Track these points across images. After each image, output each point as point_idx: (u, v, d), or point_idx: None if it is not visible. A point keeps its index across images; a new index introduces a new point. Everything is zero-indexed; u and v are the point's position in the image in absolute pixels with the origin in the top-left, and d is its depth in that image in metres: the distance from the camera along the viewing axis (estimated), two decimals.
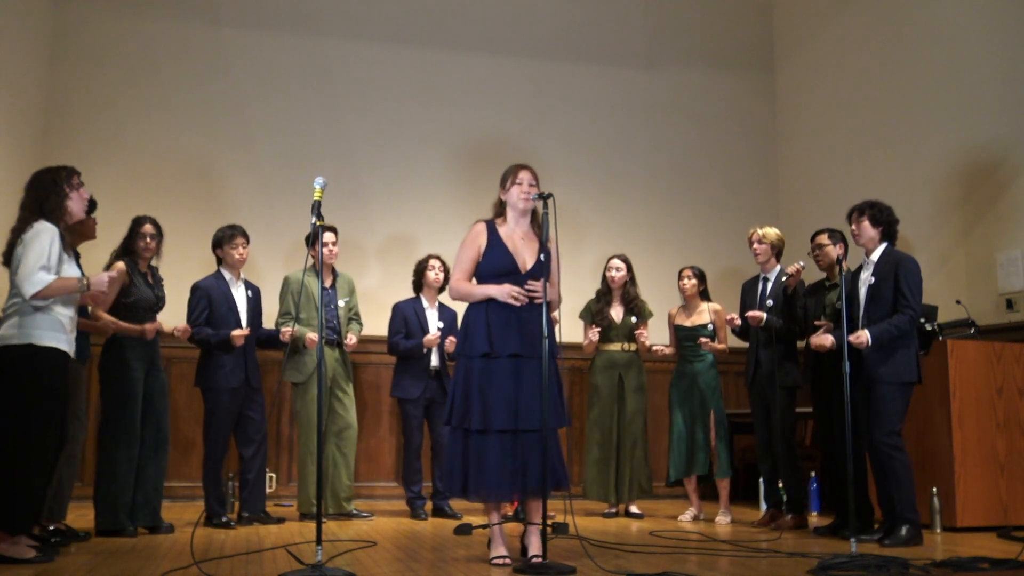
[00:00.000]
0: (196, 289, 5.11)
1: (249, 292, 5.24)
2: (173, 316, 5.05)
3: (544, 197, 3.74)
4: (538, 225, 3.85)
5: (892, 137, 6.72)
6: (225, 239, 5.15)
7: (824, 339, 4.64)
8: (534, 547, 3.64)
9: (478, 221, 3.95)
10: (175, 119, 6.88)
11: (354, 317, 5.76)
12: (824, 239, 5.09)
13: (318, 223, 3.55)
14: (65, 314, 3.78)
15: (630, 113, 7.81)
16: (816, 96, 7.65)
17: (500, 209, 3.96)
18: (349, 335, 5.58)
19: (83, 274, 3.94)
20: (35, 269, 3.65)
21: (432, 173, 7.27)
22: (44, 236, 3.72)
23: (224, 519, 4.96)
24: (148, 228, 4.76)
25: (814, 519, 5.49)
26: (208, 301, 5.05)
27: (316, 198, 3.58)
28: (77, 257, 4.12)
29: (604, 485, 5.71)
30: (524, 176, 3.87)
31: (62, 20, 6.78)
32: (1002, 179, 5.82)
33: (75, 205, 3.90)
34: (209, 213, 6.66)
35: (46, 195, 3.82)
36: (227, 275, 5.17)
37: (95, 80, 6.77)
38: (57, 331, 3.73)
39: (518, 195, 3.85)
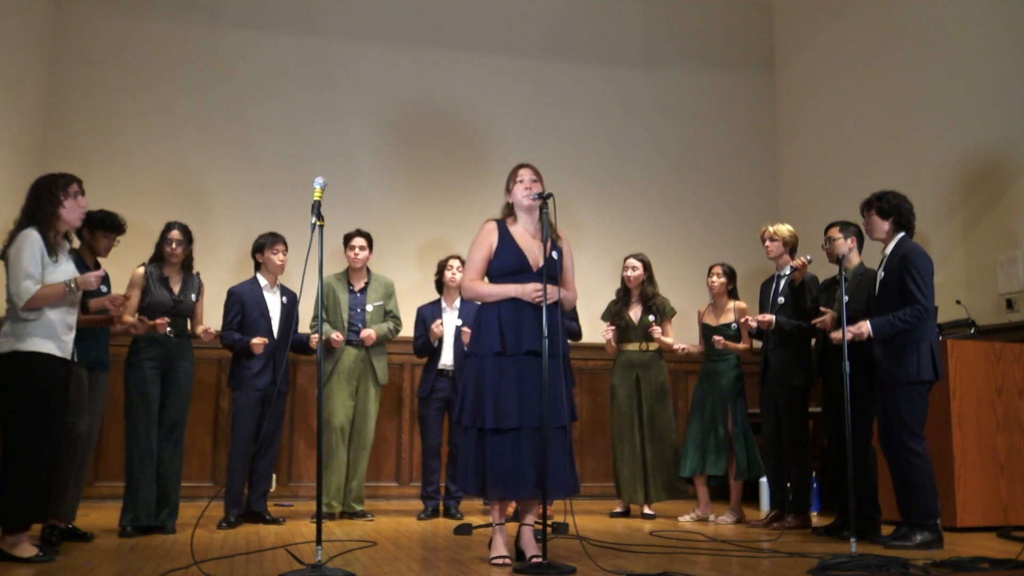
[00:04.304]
0: (230, 294, 5.26)
1: (284, 298, 5.33)
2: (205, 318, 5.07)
3: (544, 197, 3.74)
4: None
5: (892, 137, 6.72)
6: (267, 245, 5.28)
7: (836, 333, 4.46)
8: (531, 548, 3.64)
9: (489, 220, 3.93)
10: (175, 119, 6.89)
11: (391, 320, 5.76)
12: (835, 232, 4.93)
13: (318, 223, 3.56)
14: (55, 318, 3.80)
15: (630, 113, 7.81)
16: (816, 96, 7.65)
17: (509, 211, 3.95)
18: (366, 330, 5.57)
19: (78, 274, 3.95)
20: (21, 280, 3.72)
21: (432, 173, 7.27)
22: (25, 245, 3.77)
23: (232, 519, 5.02)
24: (175, 234, 4.84)
25: (815, 519, 5.48)
26: (241, 306, 5.20)
27: (316, 198, 3.59)
28: (96, 266, 4.17)
29: (627, 486, 5.70)
30: (524, 173, 3.88)
31: (62, 20, 6.78)
32: (1002, 179, 5.82)
33: (69, 213, 3.92)
34: (209, 213, 6.68)
35: (40, 202, 3.86)
36: (263, 281, 5.30)
37: (95, 80, 6.77)
38: (46, 336, 3.76)
39: (521, 192, 3.85)
